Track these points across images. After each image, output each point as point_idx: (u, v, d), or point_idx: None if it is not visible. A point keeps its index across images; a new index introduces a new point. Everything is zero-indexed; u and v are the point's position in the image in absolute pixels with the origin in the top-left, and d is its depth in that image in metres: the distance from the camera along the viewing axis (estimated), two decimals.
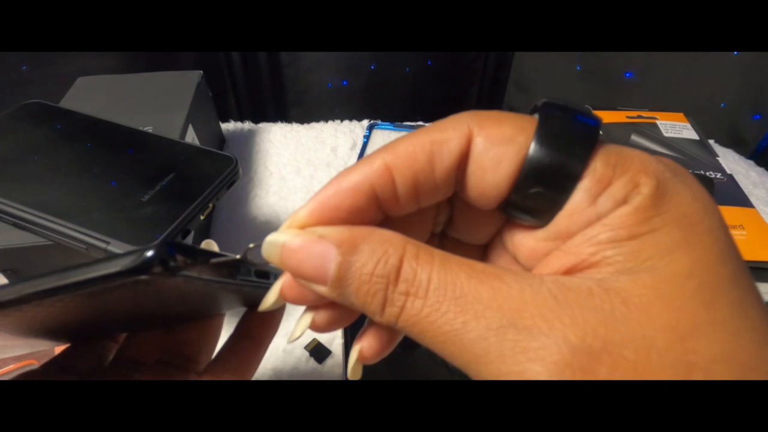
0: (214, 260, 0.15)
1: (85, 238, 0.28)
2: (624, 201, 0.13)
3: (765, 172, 0.56)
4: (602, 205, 0.13)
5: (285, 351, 0.38)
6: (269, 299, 0.16)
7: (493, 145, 0.14)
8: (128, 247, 0.28)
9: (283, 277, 0.15)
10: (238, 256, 0.16)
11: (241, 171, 0.35)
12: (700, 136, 0.53)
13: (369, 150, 0.57)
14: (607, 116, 0.56)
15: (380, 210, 0.15)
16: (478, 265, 0.13)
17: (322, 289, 0.14)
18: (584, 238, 0.13)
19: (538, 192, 0.14)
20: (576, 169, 0.13)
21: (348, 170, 0.15)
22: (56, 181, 0.32)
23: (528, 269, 0.15)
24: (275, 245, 0.14)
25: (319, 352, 0.37)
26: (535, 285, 0.13)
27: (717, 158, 0.50)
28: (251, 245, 0.15)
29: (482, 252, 0.18)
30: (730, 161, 0.56)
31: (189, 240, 0.39)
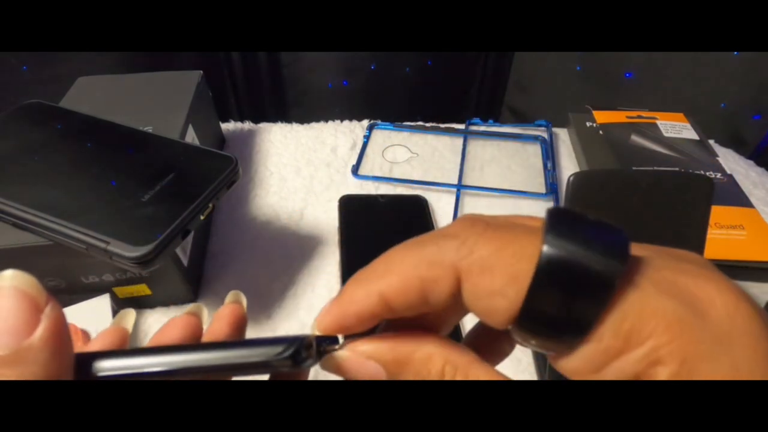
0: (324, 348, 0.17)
1: (85, 238, 0.28)
2: (637, 378, 0.11)
3: (765, 172, 0.56)
4: (608, 377, 0.12)
5: None
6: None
7: (481, 298, 0.13)
8: (128, 247, 0.28)
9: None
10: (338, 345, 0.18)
11: (241, 171, 0.35)
12: (700, 136, 0.53)
13: (369, 150, 0.57)
14: (607, 116, 0.56)
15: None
16: (496, 374, 0.14)
17: None
18: None
19: (536, 344, 0.13)
20: (576, 334, 0.12)
21: (347, 298, 0.15)
22: (56, 181, 0.32)
23: None
24: (332, 361, 0.16)
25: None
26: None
27: (717, 158, 0.50)
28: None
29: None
30: (730, 161, 0.56)
31: (189, 240, 0.39)
